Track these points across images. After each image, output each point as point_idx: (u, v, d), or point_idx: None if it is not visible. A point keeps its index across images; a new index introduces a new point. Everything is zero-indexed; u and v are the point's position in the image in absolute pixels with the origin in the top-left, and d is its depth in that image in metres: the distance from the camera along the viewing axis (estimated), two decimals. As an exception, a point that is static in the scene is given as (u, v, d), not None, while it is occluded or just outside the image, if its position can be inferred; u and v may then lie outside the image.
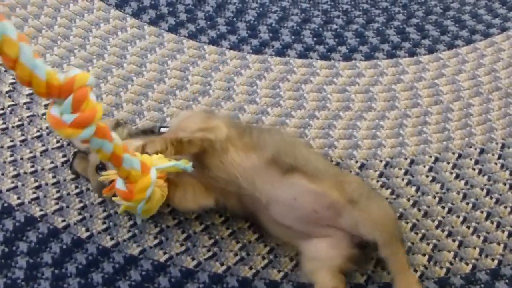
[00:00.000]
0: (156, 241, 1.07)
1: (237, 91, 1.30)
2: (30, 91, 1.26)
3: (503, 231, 1.11)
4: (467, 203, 1.14)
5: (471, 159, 1.20)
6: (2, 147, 1.18)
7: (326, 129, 1.24)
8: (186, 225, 1.09)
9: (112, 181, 0.91)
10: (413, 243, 1.09)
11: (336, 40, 1.43)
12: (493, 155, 1.21)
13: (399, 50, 1.41)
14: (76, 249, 1.06)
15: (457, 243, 1.09)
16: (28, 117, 1.22)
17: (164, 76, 1.32)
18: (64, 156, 1.17)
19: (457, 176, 1.18)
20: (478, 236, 1.10)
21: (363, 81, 1.34)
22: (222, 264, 1.05)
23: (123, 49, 1.36)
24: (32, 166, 1.15)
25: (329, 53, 1.40)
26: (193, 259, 1.06)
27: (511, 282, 1.05)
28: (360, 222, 0.97)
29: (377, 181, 1.16)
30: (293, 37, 1.43)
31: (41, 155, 1.17)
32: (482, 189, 1.16)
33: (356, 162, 1.19)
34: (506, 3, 1.53)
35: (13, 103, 1.24)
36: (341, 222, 0.98)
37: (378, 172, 1.18)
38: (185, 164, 0.95)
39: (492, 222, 1.12)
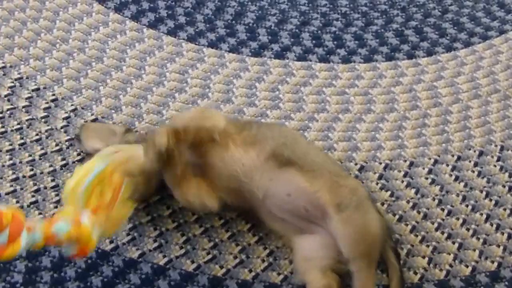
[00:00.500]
0: (156, 244, 1.07)
1: (236, 93, 1.30)
2: (29, 95, 1.26)
3: (502, 233, 1.11)
4: (467, 205, 1.14)
5: (470, 161, 1.21)
6: (1, 150, 1.18)
7: (325, 131, 1.24)
8: (185, 228, 1.09)
9: None
10: (412, 245, 1.09)
11: (335, 42, 1.43)
12: (492, 157, 1.21)
13: (398, 52, 1.41)
14: (76, 252, 1.05)
15: (456, 245, 1.09)
16: (27, 120, 1.22)
17: (163, 79, 1.32)
18: (63, 159, 1.16)
19: (457, 178, 1.18)
20: (478, 238, 1.10)
21: (362, 84, 1.34)
22: (221, 267, 1.05)
23: (122, 52, 1.36)
24: (31, 170, 1.15)
25: (328, 56, 1.40)
26: (192, 262, 1.05)
27: (511, 284, 1.05)
28: (337, 233, 0.97)
29: (377, 183, 1.16)
30: (292, 39, 1.43)
31: (40, 159, 1.17)
32: (481, 191, 1.16)
33: (356, 164, 1.19)
34: (504, 6, 1.53)
35: (12, 106, 1.24)
36: (327, 224, 0.99)
37: (377, 174, 1.18)
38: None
39: (491, 224, 1.12)
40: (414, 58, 1.40)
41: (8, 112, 1.23)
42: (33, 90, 1.27)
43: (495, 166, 1.20)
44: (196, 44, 1.40)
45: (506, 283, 1.05)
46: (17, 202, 1.10)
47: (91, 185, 0.89)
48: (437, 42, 1.44)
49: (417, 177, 1.18)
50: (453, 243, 1.09)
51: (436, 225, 1.11)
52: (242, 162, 1.01)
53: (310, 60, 1.38)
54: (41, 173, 1.15)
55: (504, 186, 1.17)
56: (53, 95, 1.26)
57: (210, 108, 1.24)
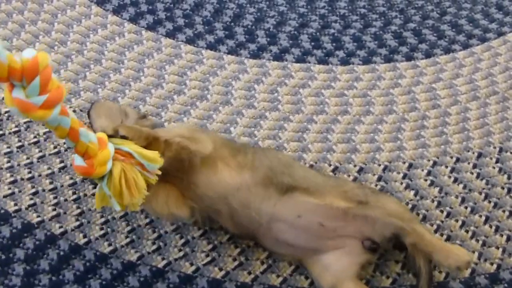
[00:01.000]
0: (154, 247, 1.07)
1: (235, 95, 1.30)
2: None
3: (501, 235, 1.11)
4: (466, 207, 1.14)
5: (469, 163, 1.21)
6: (-1, 153, 1.18)
7: (324, 133, 1.24)
8: (184, 231, 1.09)
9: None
10: (412, 248, 1.09)
11: (334, 44, 1.43)
12: (491, 159, 1.21)
13: (396, 54, 1.41)
14: (74, 255, 1.05)
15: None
16: (25, 123, 1.22)
17: (162, 81, 1.32)
18: (61, 162, 1.16)
19: (456, 180, 1.18)
20: (477, 240, 1.10)
21: (361, 85, 1.34)
22: (220, 269, 1.05)
23: (121, 55, 1.36)
24: (29, 172, 1.15)
25: (326, 58, 1.40)
26: (191, 264, 1.05)
27: (510, 287, 1.04)
28: (378, 219, 0.97)
29: (376, 185, 1.16)
30: (290, 41, 1.43)
31: (38, 161, 1.16)
32: (480, 193, 1.16)
33: (355, 166, 1.19)
34: (502, 8, 1.54)
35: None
36: (349, 230, 0.98)
37: (376, 176, 1.18)
38: (154, 162, 0.88)
39: (490, 226, 1.12)
40: (412, 60, 1.40)
41: (6, 114, 1.23)
42: (31, 93, 1.26)
43: (494, 168, 1.20)
44: (194, 46, 1.40)
45: (506, 285, 1.05)
46: (15, 204, 1.10)
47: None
48: (435, 44, 1.44)
49: (416, 179, 1.18)
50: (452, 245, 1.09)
51: (435, 227, 1.11)
52: (234, 187, 0.98)
53: (309, 62, 1.38)
54: (39, 175, 1.14)
55: (503, 188, 1.17)
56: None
57: (204, 130, 1.17)
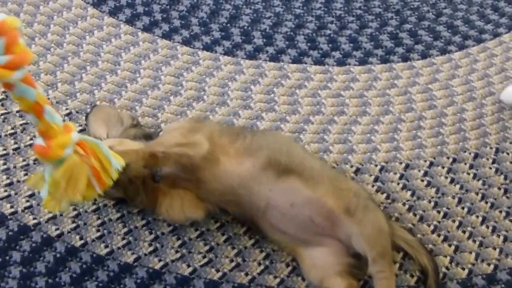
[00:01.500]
0: (151, 248, 1.06)
1: (231, 96, 1.30)
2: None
3: (498, 236, 1.11)
4: (463, 208, 1.14)
5: (465, 164, 1.21)
6: (-5, 155, 1.17)
7: (321, 134, 1.24)
8: (181, 232, 1.09)
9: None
10: (409, 248, 1.09)
11: (330, 45, 1.43)
12: (487, 159, 1.22)
13: (392, 55, 1.42)
14: (70, 257, 1.05)
15: (453, 248, 1.09)
16: (21, 125, 1.22)
17: (158, 82, 1.31)
18: (58, 163, 1.16)
19: (452, 181, 1.18)
20: (474, 241, 1.10)
21: (357, 86, 1.34)
22: (218, 271, 1.05)
23: (117, 56, 1.36)
24: (25, 175, 1.14)
25: (323, 59, 1.40)
26: (188, 266, 1.05)
27: (507, 287, 1.05)
28: (353, 235, 0.97)
29: (372, 186, 1.16)
30: (287, 42, 1.43)
31: (34, 163, 1.16)
32: (477, 194, 1.16)
33: (351, 166, 1.19)
34: (498, 9, 1.54)
35: (5, 111, 1.24)
36: (337, 232, 0.98)
37: (373, 177, 1.18)
38: (115, 158, 0.87)
39: (487, 227, 1.12)
40: (408, 61, 1.40)
41: (2, 117, 1.23)
42: (27, 94, 1.26)
43: (490, 168, 1.20)
44: (191, 47, 1.40)
45: (503, 285, 1.05)
46: (12, 207, 1.10)
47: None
48: (431, 45, 1.45)
49: (412, 179, 1.18)
50: (449, 245, 1.09)
51: (432, 227, 1.11)
52: (237, 174, 1.00)
53: (305, 63, 1.38)
54: (36, 177, 1.14)
55: (499, 189, 1.17)
56: (48, 99, 1.25)
57: (200, 124, 1.13)
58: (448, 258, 1.08)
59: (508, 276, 1.06)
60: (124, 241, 1.07)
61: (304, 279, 1.04)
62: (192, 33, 1.43)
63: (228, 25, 1.46)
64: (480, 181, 1.18)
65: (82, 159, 0.82)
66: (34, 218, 1.09)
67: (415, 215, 1.13)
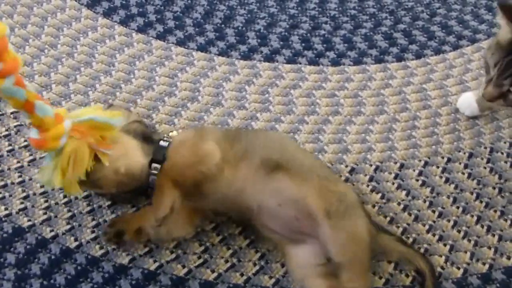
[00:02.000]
0: (146, 249, 1.06)
1: (226, 97, 1.30)
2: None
3: (493, 235, 1.11)
4: (457, 207, 1.15)
5: (460, 163, 1.21)
6: (-12, 156, 1.17)
7: (315, 134, 1.24)
8: (176, 233, 1.09)
9: None
10: (404, 248, 1.09)
11: (325, 45, 1.43)
12: (482, 159, 1.22)
13: (387, 55, 1.42)
14: (65, 259, 1.04)
15: (448, 247, 1.09)
16: (15, 127, 1.21)
17: (153, 83, 1.31)
18: (52, 165, 1.15)
19: (447, 180, 1.18)
20: (469, 240, 1.10)
21: (351, 86, 1.34)
22: (213, 271, 1.04)
23: (111, 57, 1.36)
24: (20, 176, 1.14)
25: (317, 59, 1.40)
26: (183, 266, 1.05)
27: (502, 286, 1.05)
28: (326, 239, 0.96)
29: (367, 186, 1.16)
30: (281, 42, 1.43)
31: (28, 165, 1.16)
32: (472, 193, 1.17)
33: (346, 166, 1.19)
34: (492, 9, 1.55)
35: (0, 113, 1.23)
36: (317, 233, 0.98)
37: (368, 177, 1.18)
38: (113, 117, 0.93)
39: (482, 226, 1.12)
40: (403, 61, 1.41)
41: (-4, 118, 1.23)
42: (21, 96, 1.26)
43: (485, 168, 1.21)
44: (185, 48, 1.40)
45: (498, 285, 1.05)
46: (6, 209, 1.09)
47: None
48: (425, 45, 1.45)
49: (407, 179, 1.18)
50: (445, 245, 1.10)
51: (427, 227, 1.12)
52: (235, 181, 0.99)
53: (300, 63, 1.38)
54: (30, 179, 1.14)
55: (494, 188, 1.17)
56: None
57: (202, 130, 1.14)
58: (443, 257, 1.08)
59: (503, 275, 1.06)
60: (119, 243, 1.07)
61: (300, 279, 1.04)
62: (186, 34, 1.43)
63: (223, 25, 1.46)
64: (475, 181, 1.18)
65: (80, 141, 0.88)
66: (29, 220, 1.08)
67: (410, 214, 1.13)
